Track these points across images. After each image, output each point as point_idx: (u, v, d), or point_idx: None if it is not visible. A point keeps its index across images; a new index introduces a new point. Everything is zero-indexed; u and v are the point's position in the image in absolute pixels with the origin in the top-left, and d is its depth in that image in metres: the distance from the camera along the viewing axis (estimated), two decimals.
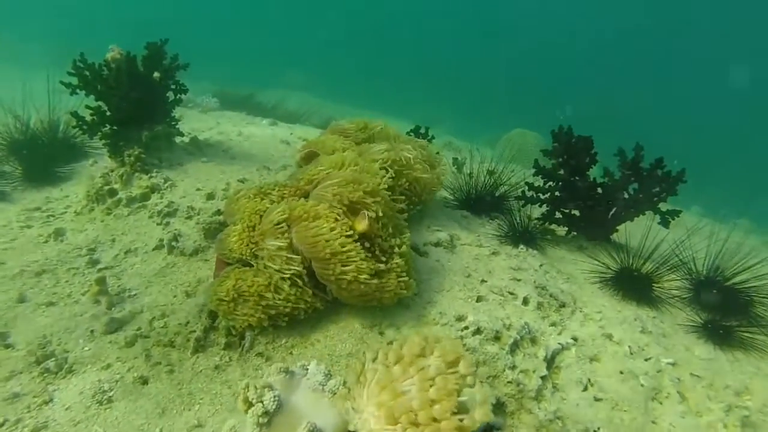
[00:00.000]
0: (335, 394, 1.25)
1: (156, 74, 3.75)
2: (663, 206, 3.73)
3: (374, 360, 1.27)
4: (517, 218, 3.58)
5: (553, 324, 2.48)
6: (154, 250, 3.20)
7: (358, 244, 2.33)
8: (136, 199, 3.57)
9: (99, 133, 3.74)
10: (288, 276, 2.29)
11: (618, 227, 3.90)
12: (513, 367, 2.23)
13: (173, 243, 3.16)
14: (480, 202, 3.97)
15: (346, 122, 3.61)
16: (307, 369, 1.39)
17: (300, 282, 2.32)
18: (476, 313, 2.43)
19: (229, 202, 2.82)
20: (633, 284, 3.01)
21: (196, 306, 2.71)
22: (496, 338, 2.33)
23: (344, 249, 2.22)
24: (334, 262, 2.22)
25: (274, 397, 1.22)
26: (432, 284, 2.64)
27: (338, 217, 2.38)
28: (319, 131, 7.17)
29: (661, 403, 2.14)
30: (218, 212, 3.35)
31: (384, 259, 2.41)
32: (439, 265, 2.81)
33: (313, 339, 2.36)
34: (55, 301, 2.76)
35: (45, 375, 2.28)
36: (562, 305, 2.61)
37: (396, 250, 2.44)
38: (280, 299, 2.27)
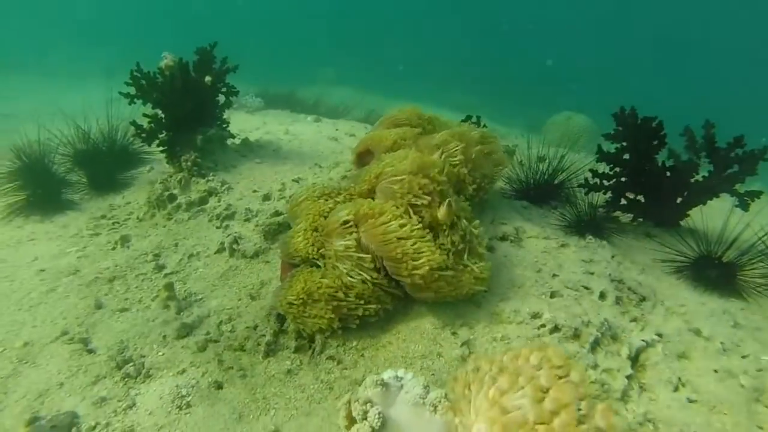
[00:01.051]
0: (437, 408, 1.20)
1: (208, 78, 3.79)
2: (741, 187, 3.47)
3: (477, 370, 1.21)
4: (580, 206, 3.42)
5: (635, 319, 2.34)
6: (215, 253, 3.24)
7: (430, 235, 2.27)
8: (195, 203, 3.63)
9: (156, 140, 3.82)
10: (358, 275, 2.25)
11: (689, 212, 3.67)
12: (595, 366, 2.12)
13: (234, 246, 3.19)
14: (539, 190, 3.82)
15: (397, 111, 3.50)
16: (401, 379, 1.34)
17: (371, 279, 2.28)
18: (552, 310, 2.32)
19: (292, 205, 2.80)
20: (714, 273, 2.81)
21: (261, 309, 2.73)
22: (575, 336, 2.22)
23: (415, 246, 2.16)
24: (406, 259, 2.17)
25: (378, 414, 1.17)
26: (502, 280, 2.55)
27: (405, 213, 2.33)
28: (362, 125, 7.14)
29: (767, 406, 1.98)
30: (276, 213, 3.36)
31: (458, 248, 2.34)
32: (507, 260, 2.71)
33: (384, 341, 2.32)
34: (128, 307, 2.84)
35: (126, 380, 2.34)
36: (642, 299, 2.46)
37: (467, 239, 2.36)
38: (351, 299, 2.23)
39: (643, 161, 3.40)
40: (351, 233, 2.33)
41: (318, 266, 2.43)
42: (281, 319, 2.53)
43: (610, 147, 3.63)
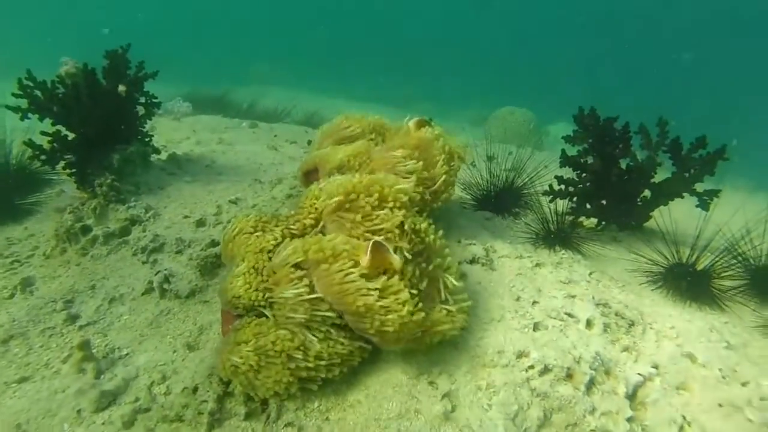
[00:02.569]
0: None
1: (122, 88, 3.24)
2: (700, 186, 3.41)
3: None
4: (544, 214, 3.22)
5: (626, 349, 2.14)
6: (143, 295, 2.75)
7: (396, 279, 1.93)
8: (115, 234, 3.09)
9: (61, 162, 3.23)
10: (317, 330, 1.88)
11: (652, 213, 3.58)
12: (593, 411, 1.88)
13: (165, 285, 2.72)
14: (501, 198, 3.60)
15: (343, 121, 3.08)
16: None
17: (332, 333, 1.92)
18: (538, 347, 2.06)
19: (225, 241, 2.35)
20: (690, 283, 2.68)
21: (201, 362, 2.29)
22: (568, 376, 1.97)
23: (380, 303, 1.81)
24: (371, 314, 1.82)
25: None
26: (479, 313, 2.26)
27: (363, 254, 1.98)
28: (302, 129, 6.69)
29: None
30: (213, 243, 2.90)
31: (422, 287, 2.02)
32: (481, 287, 2.43)
33: (351, 399, 1.97)
34: (29, 375, 2.31)
35: None
36: (631, 324, 2.26)
37: (437, 273, 2.04)
38: (310, 360, 1.86)
39: (608, 165, 3.25)
40: (301, 279, 1.95)
41: (265, 315, 2.03)
42: (226, 379, 2.11)
43: (572, 150, 3.47)
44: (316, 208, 2.22)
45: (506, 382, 1.94)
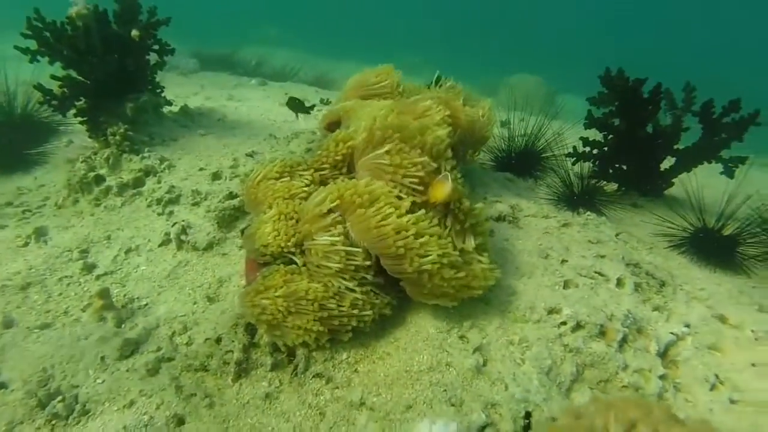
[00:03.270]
0: None
1: (135, 32, 3.10)
2: (725, 153, 3.34)
3: None
4: (566, 177, 3.16)
5: (657, 308, 2.11)
6: (159, 246, 2.70)
7: (435, 221, 1.89)
8: (129, 185, 3.02)
9: (72, 108, 3.12)
10: (350, 277, 1.84)
11: (674, 179, 3.51)
12: (625, 368, 1.86)
13: (182, 236, 2.66)
14: (521, 160, 3.53)
15: (369, 74, 2.98)
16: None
17: (368, 280, 1.88)
18: (570, 303, 2.03)
19: (248, 186, 2.28)
20: (717, 248, 2.65)
21: (223, 314, 2.26)
22: (601, 333, 1.94)
23: (422, 239, 1.76)
24: (411, 255, 1.77)
25: None
26: (508, 269, 2.22)
27: (401, 195, 1.92)
28: (312, 89, 6.53)
29: None
30: (231, 195, 2.83)
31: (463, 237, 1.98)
32: (509, 244, 2.38)
33: (380, 351, 1.94)
34: (50, 322, 2.28)
35: (54, 422, 1.83)
36: (662, 284, 2.23)
37: (469, 225, 2.00)
38: (344, 309, 1.82)
39: (635, 128, 3.16)
40: (336, 225, 1.89)
41: (294, 263, 1.99)
42: (251, 329, 2.08)
43: (597, 112, 3.37)
44: (348, 147, 2.14)
45: (539, 337, 1.92)
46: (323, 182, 2.20)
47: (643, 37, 24.09)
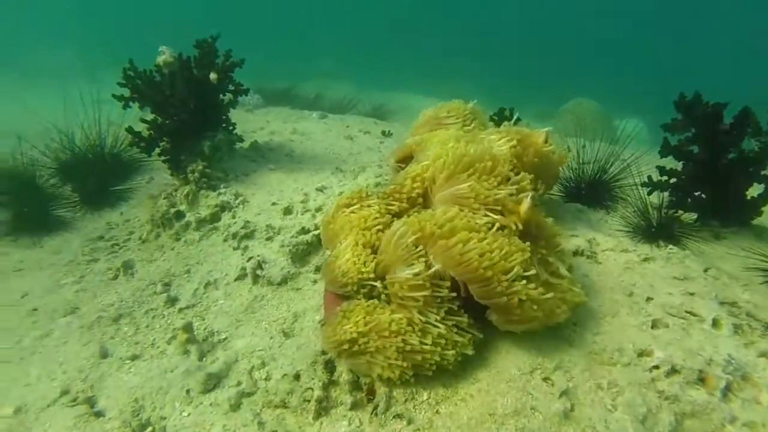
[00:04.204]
0: None
1: (213, 76, 3.30)
2: None
3: None
4: (640, 207, 3.03)
5: (764, 354, 1.95)
6: (236, 280, 2.80)
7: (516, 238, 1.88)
8: (206, 220, 3.17)
9: (157, 149, 3.34)
10: (435, 310, 1.84)
11: (763, 208, 3.29)
12: (732, 420, 1.72)
13: (258, 271, 2.75)
14: (591, 190, 3.42)
15: (440, 108, 3.02)
16: None
17: (451, 316, 1.87)
18: (662, 346, 1.92)
19: (326, 222, 2.34)
20: None
21: (298, 349, 2.30)
22: (700, 380, 1.82)
23: (503, 253, 1.76)
24: (497, 274, 1.75)
25: None
26: (591, 307, 2.14)
27: (480, 226, 1.92)
28: (371, 120, 6.68)
29: None
30: (303, 230, 2.91)
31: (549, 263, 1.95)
32: (589, 281, 2.29)
33: (462, 392, 1.90)
34: (140, 353, 2.40)
35: None
36: (766, 326, 2.06)
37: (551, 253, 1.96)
38: (427, 345, 1.81)
39: (716, 155, 3.00)
40: (419, 258, 1.90)
41: (375, 297, 2.00)
42: (330, 366, 2.10)
43: (672, 140, 3.23)
44: (423, 181, 2.17)
45: (630, 381, 1.82)
46: (397, 217, 2.23)
47: (694, 55, 23.11)
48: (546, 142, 2.61)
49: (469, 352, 1.89)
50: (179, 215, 3.21)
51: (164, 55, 3.20)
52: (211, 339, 2.46)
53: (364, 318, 1.88)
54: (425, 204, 2.24)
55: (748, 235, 3.20)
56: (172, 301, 2.72)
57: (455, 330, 1.89)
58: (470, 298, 1.91)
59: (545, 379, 1.88)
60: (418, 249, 1.89)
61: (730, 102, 3.09)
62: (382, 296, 1.97)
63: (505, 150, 2.42)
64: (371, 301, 1.96)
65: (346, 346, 1.87)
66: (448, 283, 1.87)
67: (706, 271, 2.46)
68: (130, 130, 3.28)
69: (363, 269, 1.95)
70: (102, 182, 3.84)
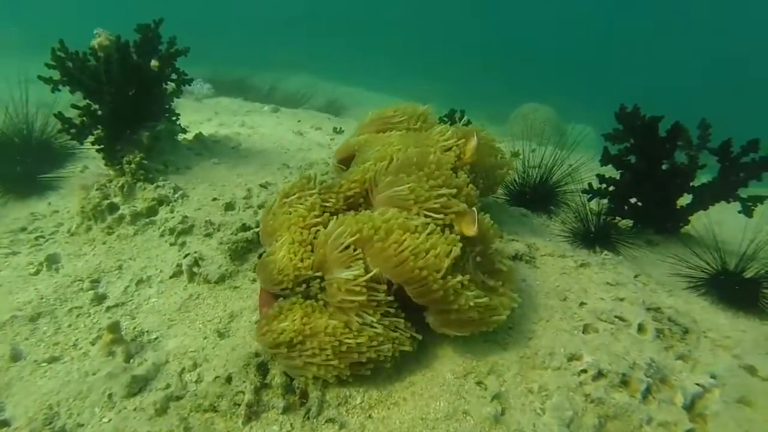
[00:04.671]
0: None
1: (154, 63, 3.14)
2: (743, 191, 3.30)
3: None
4: (581, 213, 3.13)
5: (681, 357, 2.04)
6: (171, 278, 2.68)
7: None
8: (142, 214, 3.01)
9: (90, 137, 3.14)
10: (372, 312, 1.81)
11: (690, 217, 3.47)
12: (649, 421, 1.79)
13: (194, 269, 2.64)
14: (536, 195, 3.50)
15: (389, 110, 3.01)
16: None
17: (390, 314, 1.85)
18: (590, 350, 1.97)
19: (265, 221, 2.27)
20: (740, 291, 2.58)
21: (233, 351, 2.21)
22: (623, 383, 1.88)
23: (437, 252, 1.76)
24: (430, 272, 1.75)
25: None
26: (526, 312, 2.17)
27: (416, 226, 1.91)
28: (325, 116, 6.59)
29: None
30: (244, 227, 2.81)
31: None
32: (526, 285, 2.34)
33: (396, 396, 1.88)
34: (59, 355, 2.24)
35: None
36: (685, 331, 2.16)
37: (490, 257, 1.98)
38: (362, 341, 1.78)
39: (653, 165, 3.13)
40: (356, 260, 1.87)
41: (312, 297, 1.96)
42: (263, 369, 2.03)
43: (613, 149, 3.35)
44: (363, 183, 2.15)
45: (559, 385, 1.85)
46: (334, 214, 2.19)
47: (647, 66, 24.38)
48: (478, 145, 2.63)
49: (407, 348, 1.88)
50: (113, 208, 3.03)
51: (99, 38, 3.01)
52: (140, 339, 2.34)
53: (302, 318, 1.84)
54: (367, 205, 2.21)
55: (677, 242, 3.37)
56: (99, 298, 2.57)
57: (392, 328, 1.87)
58: (407, 302, 1.90)
59: (478, 383, 1.90)
60: (356, 252, 1.86)
61: (665, 115, 3.24)
62: (319, 297, 1.92)
63: (450, 156, 2.42)
64: (309, 302, 1.92)
65: (282, 346, 1.82)
66: (385, 287, 1.85)
67: (636, 277, 2.56)
68: (59, 115, 3.06)
69: (300, 265, 1.91)
70: (28, 169, 3.58)
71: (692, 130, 3.27)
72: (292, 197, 2.14)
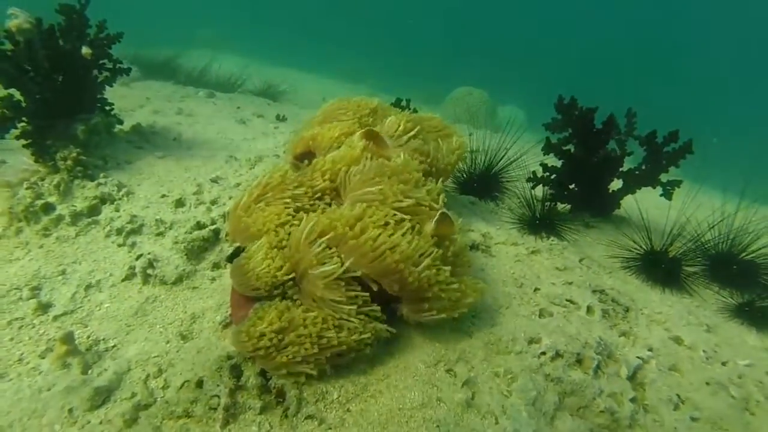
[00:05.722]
0: None
1: (86, 50, 2.90)
2: (663, 176, 3.65)
3: None
4: (525, 199, 3.33)
5: (624, 334, 2.28)
6: (123, 281, 2.55)
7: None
8: (83, 214, 2.82)
9: (15, 130, 2.87)
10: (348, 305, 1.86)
11: (620, 201, 3.79)
12: (600, 393, 2.00)
13: (149, 270, 2.53)
14: (482, 182, 3.66)
15: (339, 103, 3.02)
16: None
17: (366, 306, 1.90)
18: (548, 333, 2.15)
19: (236, 217, 2.20)
20: (665, 270, 2.89)
21: (198, 353, 2.18)
22: (578, 362, 2.07)
23: (413, 246, 1.85)
24: (406, 266, 1.83)
25: None
26: (486, 300, 2.31)
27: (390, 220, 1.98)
28: (264, 101, 6.40)
29: (753, 414, 2.03)
30: (199, 225, 2.73)
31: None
32: (484, 274, 2.47)
33: (371, 389, 1.95)
34: (3, 372, 2.09)
35: None
36: (626, 309, 2.41)
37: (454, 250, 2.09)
38: (343, 337, 1.83)
39: (590, 154, 3.38)
40: (332, 256, 1.89)
41: (288, 298, 1.96)
42: (236, 370, 2.02)
43: (553, 138, 3.57)
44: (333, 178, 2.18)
45: (522, 368, 2.01)
46: (304, 210, 2.19)
47: (574, 52, 25.74)
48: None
49: (385, 334, 1.95)
50: (48, 208, 2.81)
51: (17, 19, 2.72)
52: (96, 348, 2.22)
53: (279, 318, 1.85)
54: (337, 200, 2.23)
55: (610, 224, 3.68)
56: (44, 307, 2.40)
57: (367, 319, 1.94)
58: (376, 296, 1.97)
59: (448, 371, 2.01)
60: (331, 250, 1.89)
61: (599, 106, 3.50)
62: (295, 297, 1.94)
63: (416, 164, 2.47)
64: (284, 302, 1.93)
65: (261, 349, 1.82)
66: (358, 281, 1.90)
67: (581, 261, 2.79)
68: None
69: (278, 273, 1.90)
70: None
71: (610, 114, 3.52)
72: (268, 195, 2.11)
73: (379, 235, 1.89)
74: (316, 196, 2.20)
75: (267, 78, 8.55)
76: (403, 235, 1.91)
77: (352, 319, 1.88)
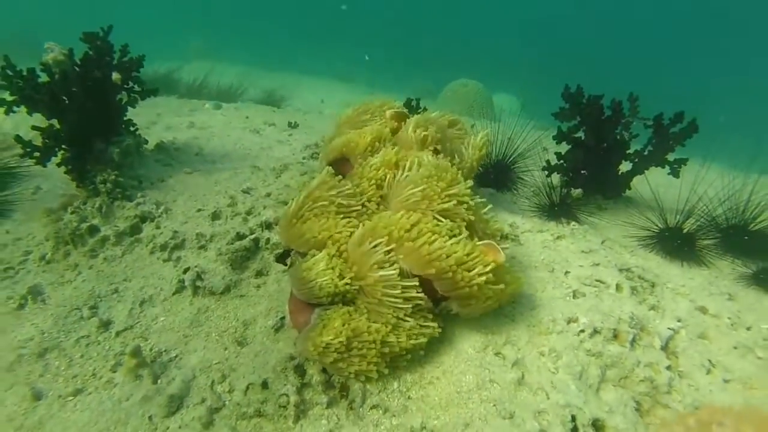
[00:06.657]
0: None
1: (116, 76, 3.01)
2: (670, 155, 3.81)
3: None
4: (542, 188, 3.48)
5: (653, 307, 2.44)
6: (174, 294, 2.69)
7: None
8: (126, 233, 2.95)
9: (55, 158, 2.98)
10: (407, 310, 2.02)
11: (631, 182, 3.95)
12: (638, 364, 2.15)
13: (198, 282, 2.67)
14: (498, 174, 3.80)
15: (361, 107, 3.15)
16: None
17: (420, 311, 2.06)
18: (584, 312, 2.30)
19: (290, 223, 2.33)
20: (682, 245, 3.05)
21: (256, 356, 2.32)
22: (614, 336, 2.23)
23: (466, 251, 2.00)
24: (460, 270, 1.98)
25: None
26: (523, 286, 2.46)
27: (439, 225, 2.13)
28: (270, 109, 6.50)
29: None
30: (239, 236, 2.86)
31: None
32: (517, 262, 2.63)
33: (429, 376, 2.10)
34: (82, 387, 2.22)
35: None
36: (653, 285, 2.56)
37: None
38: (402, 340, 1.98)
39: (601, 141, 3.53)
40: (390, 261, 2.04)
41: (348, 303, 2.11)
42: (300, 370, 2.17)
43: (563, 127, 3.72)
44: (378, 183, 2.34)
45: (565, 346, 2.17)
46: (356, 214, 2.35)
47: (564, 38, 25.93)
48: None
49: (436, 334, 2.10)
50: (93, 230, 2.93)
51: (53, 53, 2.84)
52: (160, 359, 2.36)
53: (343, 325, 1.98)
54: (384, 203, 2.39)
55: (622, 205, 3.84)
56: (105, 324, 2.53)
57: (422, 320, 2.09)
58: (427, 292, 2.11)
59: (497, 354, 2.16)
60: (389, 255, 2.03)
61: (604, 94, 3.64)
62: (357, 300, 2.08)
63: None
64: (346, 307, 2.07)
65: (330, 356, 1.96)
66: (416, 281, 2.04)
67: (603, 243, 2.95)
68: (18, 139, 2.88)
69: (339, 282, 2.05)
70: None
71: (618, 101, 3.67)
72: (317, 204, 2.25)
73: (435, 240, 2.03)
74: (364, 201, 2.35)
75: (264, 84, 8.65)
76: (458, 243, 2.06)
77: (408, 318, 2.03)
